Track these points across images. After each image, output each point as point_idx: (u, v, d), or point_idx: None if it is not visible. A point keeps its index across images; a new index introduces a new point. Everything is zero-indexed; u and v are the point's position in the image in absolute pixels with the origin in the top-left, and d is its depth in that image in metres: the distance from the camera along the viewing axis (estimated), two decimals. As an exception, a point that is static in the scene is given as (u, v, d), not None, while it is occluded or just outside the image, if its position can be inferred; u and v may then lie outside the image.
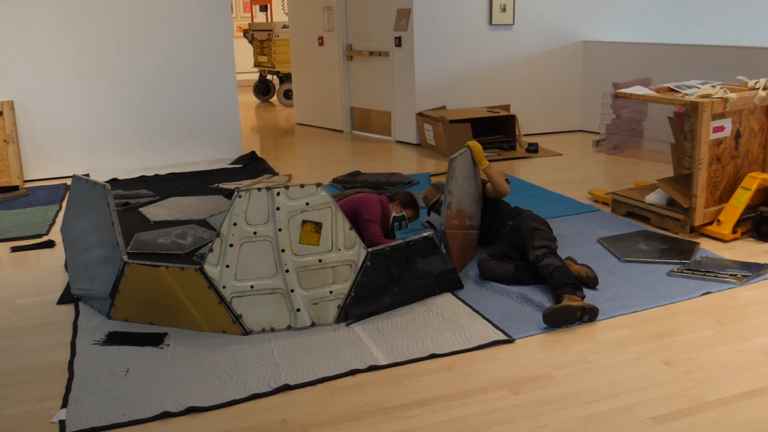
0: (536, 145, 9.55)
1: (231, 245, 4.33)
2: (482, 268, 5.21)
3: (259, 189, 4.35)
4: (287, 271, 4.39)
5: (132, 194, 7.60)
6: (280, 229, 4.36)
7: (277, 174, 8.57)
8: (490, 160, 5.62)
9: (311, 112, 12.37)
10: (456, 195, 5.05)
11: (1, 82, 8.37)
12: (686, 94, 6.15)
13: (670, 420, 3.44)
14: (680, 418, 3.46)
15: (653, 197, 6.38)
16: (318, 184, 4.43)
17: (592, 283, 5.01)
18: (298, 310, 4.42)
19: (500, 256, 5.25)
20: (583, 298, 4.67)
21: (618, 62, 10.23)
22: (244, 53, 16.98)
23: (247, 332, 4.38)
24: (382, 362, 4.03)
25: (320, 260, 4.44)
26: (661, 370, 3.92)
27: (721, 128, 5.90)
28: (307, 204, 4.40)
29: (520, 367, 3.97)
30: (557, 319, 4.44)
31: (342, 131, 11.62)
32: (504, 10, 10.23)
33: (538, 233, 5.18)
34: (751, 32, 9.37)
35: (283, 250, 4.38)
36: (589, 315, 4.50)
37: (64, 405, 3.67)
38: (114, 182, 8.29)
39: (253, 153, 9.56)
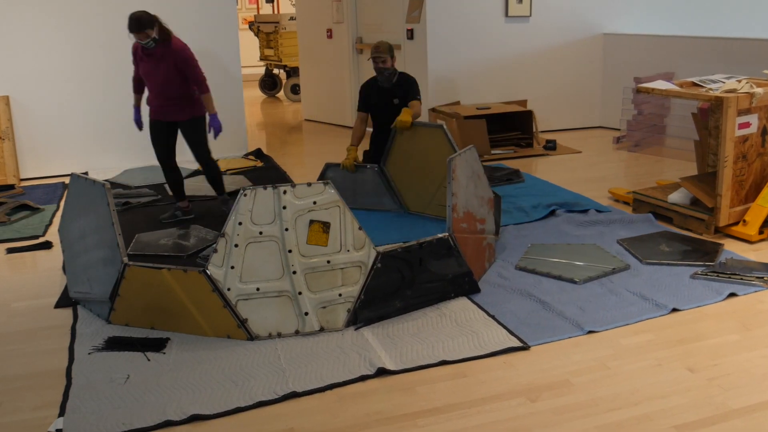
0: (554, 142, 9.54)
1: (236, 245, 4.33)
2: None
3: (264, 187, 4.36)
4: (294, 272, 4.39)
5: (132, 193, 7.63)
6: (286, 229, 4.37)
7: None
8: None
9: (319, 108, 12.38)
10: (461, 197, 5.03)
11: (-2, 77, 8.43)
12: (711, 89, 6.13)
13: (694, 429, 3.43)
14: (704, 426, 3.45)
15: (676, 196, 6.37)
16: (325, 183, 4.43)
17: None
18: (306, 313, 4.43)
19: None
20: None
21: (639, 56, 10.20)
22: (249, 46, 16.98)
23: (252, 337, 4.39)
24: (392, 368, 4.03)
25: (328, 261, 4.44)
26: (684, 376, 3.91)
27: (747, 124, 5.89)
28: (315, 203, 4.41)
29: (538, 373, 3.97)
30: None
31: (351, 128, 11.60)
32: (521, 1, 10.21)
33: None
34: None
35: (290, 251, 4.38)
36: None
37: (62, 413, 3.68)
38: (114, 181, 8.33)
39: (259, 150, 9.59)
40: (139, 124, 6.72)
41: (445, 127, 6.29)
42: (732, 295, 4.88)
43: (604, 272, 5.26)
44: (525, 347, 4.25)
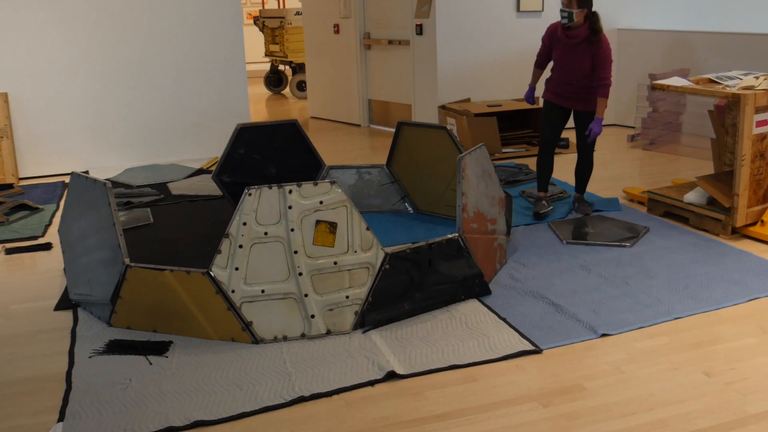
0: (567, 140, 9.51)
1: (240, 246, 4.34)
2: None
3: (270, 186, 4.36)
4: (300, 274, 4.39)
5: (134, 193, 7.64)
6: (292, 230, 4.37)
7: None
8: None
9: (326, 105, 12.39)
10: (471, 196, 5.02)
11: (-4, 74, 8.45)
12: (728, 86, 6.12)
13: (711, 435, 3.44)
14: (722, 433, 3.45)
15: (692, 196, 6.35)
16: (332, 182, 4.43)
17: None
18: (313, 316, 4.43)
19: None
20: None
21: (654, 52, 10.18)
22: (254, 42, 17.03)
23: (257, 340, 4.39)
24: (401, 372, 4.03)
25: (335, 263, 4.44)
26: (700, 381, 3.90)
27: (764, 122, 5.87)
28: (321, 203, 4.40)
29: (550, 377, 3.97)
30: None
31: (359, 125, 11.64)
32: (532, -5, 10.23)
33: None
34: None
35: (295, 252, 4.38)
36: None
37: (61, 419, 3.68)
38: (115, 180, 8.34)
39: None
40: (531, 101, 7.09)
41: (449, 128, 6.29)
42: (752, 297, 4.87)
43: (638, 233, 6.02)
44: (537, 351, 4.24)
